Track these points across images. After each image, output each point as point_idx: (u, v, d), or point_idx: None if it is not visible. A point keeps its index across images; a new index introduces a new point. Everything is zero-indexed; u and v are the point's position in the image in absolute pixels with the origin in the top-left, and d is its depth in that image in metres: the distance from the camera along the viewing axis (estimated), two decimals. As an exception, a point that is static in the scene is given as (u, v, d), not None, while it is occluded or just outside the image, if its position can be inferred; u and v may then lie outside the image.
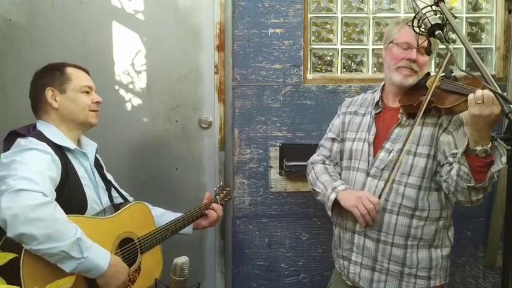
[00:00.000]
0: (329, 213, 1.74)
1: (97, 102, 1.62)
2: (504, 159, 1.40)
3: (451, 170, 1.52)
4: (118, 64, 2.25)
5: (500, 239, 2.26)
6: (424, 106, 1.56)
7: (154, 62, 2.26)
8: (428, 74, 1.71)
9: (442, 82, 1.61)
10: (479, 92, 1.33)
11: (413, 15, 1.41)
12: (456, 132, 1.60)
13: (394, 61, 1.68)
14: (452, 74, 1.65)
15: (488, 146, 1.38)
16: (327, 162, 1.85)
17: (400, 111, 1.68)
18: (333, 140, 1.86)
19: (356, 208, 1.59)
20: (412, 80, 1.67)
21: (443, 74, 1.63)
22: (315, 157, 1.91)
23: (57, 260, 1.29)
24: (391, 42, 1.70)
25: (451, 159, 1.55)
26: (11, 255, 0.95)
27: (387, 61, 1.73)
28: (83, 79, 1.60)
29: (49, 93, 1.55)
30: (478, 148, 1.39)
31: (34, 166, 1.34)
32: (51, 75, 1.57)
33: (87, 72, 1.65)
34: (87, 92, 1.60)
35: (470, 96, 1.35)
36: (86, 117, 1.59)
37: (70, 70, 1.59)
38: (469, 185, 1.44)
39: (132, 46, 2.24)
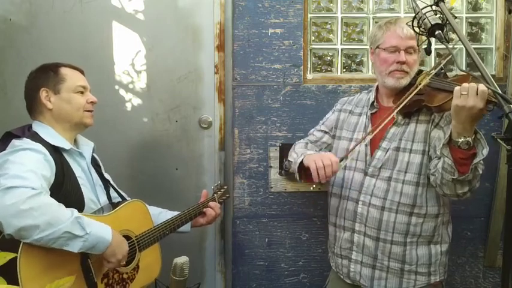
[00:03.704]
0: (296, 176, 1.78)
1: (92, 102, 1.62)
2: (485, 151, 1.42)
3: (438, 163, 1.53)
4: (118, 64, 2.25)
5: (500, 239, 2.26)
6: (410, 97, 1.59)
7: (154, 62, 2.26)
8: (420, 72, 1.73)
9: (432, 80, 1.63)
10: (464, 84, 1.36)
11: (413, 15, 1.41)
12: (447, 128, 1.60)
13: (384, 66, 1.70)
14: (442, 71, 1.67)
15: (470, 138, 1.40)
16: (309, 145, 1.90)
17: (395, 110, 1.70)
18: (325, 132, 1.90)
19: (314, 162, 1.61)
20: (405, 81, 1.69)
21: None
22: (299, 140, 1.96)
23: (62, 244, 1.29)
24: (378, 47, 1.71)
25: (439, 153, 1.56)
26: (11, 255, 0.95)
27: (377, 66, 1.74)
28: (77, 79, 1.60)
29: (43, 94, 1.55)
30: (460, 140, 1.41)
31: (26, 165, 1.34)
32: (45, 75, 1.57)
33: (82, 72, 1.65)
34: (82, 92, 1.60)
35: (456, 88, 1.38)
36: (80, 118, 1.59)
37: (64, 70, 1.59)
38: (453, 177, 1.46)
39: (132, 46, 2.24)
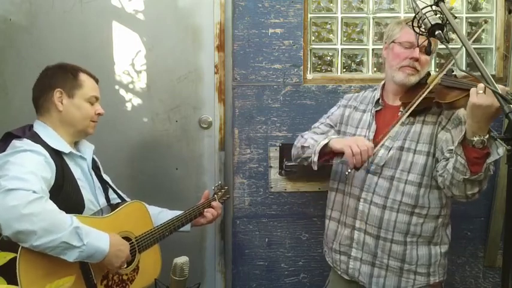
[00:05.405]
0: (315, 158, 1.70)
1: (99, 113, 1.62)
2: (500, 150, 1.40)
3: (447, 164, 1.53)
4: (118, 64, 2.25)
5: (500, 239, 2.27)
6: (421, 98, 1.58)
7: (154, 62, 2.26)
8: (429, 74, 1.72)
9: (443, 79, 1.62)
10: (482, 84, 1.34)
11: (413, 15, 1.41)
12: (454, 130, 1.61)
13: (396, 60, 1.69)
14: (453, 73, 1.66)
15: (485, 137, 1.39)
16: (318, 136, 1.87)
17: (401, 109, 1.69)
18: (330, 126, 1.89)
19: (349, 147, 1.56)
20: (414, 79, 1.68)
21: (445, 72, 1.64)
22: (304, 133, 1.93)
23: (58, 252, 1.29)
24: (393, 41, 1.71)
25: (447, 155, 1.55)
26: (11, 255, 0.95)
27: (389, 60, 1.73)
28: (92, 89, 1.61)
29: (57, 94, 1.54)
30: (475, 139, 1.39)
31: (27, 167, 1.34)
32: (63, 76, 1.56)
33: (97, 81, 1.65)
34: (92, 103, 1.61)
35: (473, 88, 1.36)
36: (85, 127, 1.59)
37: (83, 77, 1.59)
38: (464, 177, 1.45)
39: (132, 46, 2.24)
